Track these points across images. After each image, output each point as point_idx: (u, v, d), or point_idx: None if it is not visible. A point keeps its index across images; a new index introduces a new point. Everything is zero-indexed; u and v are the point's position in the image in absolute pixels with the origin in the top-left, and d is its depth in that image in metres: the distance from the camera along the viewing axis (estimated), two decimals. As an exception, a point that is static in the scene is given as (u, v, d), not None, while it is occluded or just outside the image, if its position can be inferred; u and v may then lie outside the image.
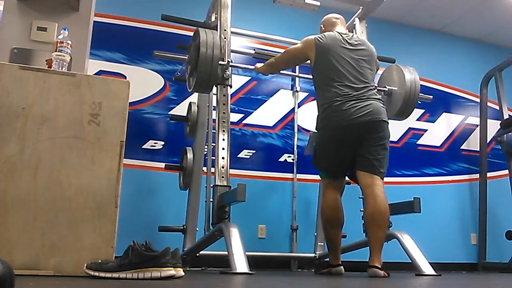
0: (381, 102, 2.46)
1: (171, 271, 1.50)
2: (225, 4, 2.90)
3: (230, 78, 2.73)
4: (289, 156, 3.91)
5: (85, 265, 1.55)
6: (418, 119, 4.42)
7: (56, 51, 1.89)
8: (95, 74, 3.26)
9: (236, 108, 3.79)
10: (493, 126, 4.50)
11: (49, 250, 1.61)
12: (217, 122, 2.66)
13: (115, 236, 1.69)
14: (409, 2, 4.31)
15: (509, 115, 4.40)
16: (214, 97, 2.76)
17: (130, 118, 1.83)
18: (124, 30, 3.66)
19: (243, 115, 3.84)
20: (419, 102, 3.06)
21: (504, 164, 4.37)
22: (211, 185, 2.59)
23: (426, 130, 4.46)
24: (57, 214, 1.64)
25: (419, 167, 4.34)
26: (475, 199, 4.42)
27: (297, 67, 3.64)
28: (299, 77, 3.86)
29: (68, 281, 1.44)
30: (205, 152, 3.07)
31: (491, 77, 4.50)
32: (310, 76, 2.72)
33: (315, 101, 2.61)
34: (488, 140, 4.51)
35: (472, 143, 4.59)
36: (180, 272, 1.54)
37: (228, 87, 2.74)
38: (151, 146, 3.56)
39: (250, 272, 2.06)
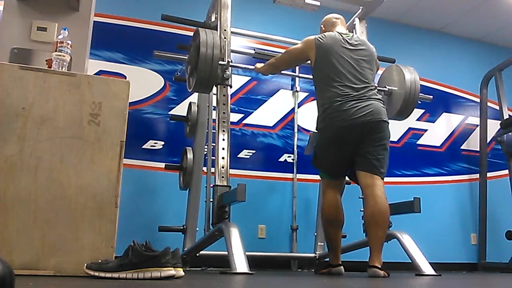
0: (382, 102, 2.46)
1: (171, 271, 1.50)
2: (225, 4, 2.90)
3: (230, 78, 2.73)
4: (289, 156, 3.91)
5: (85, 265, 1.55)
6: (418, 119, 4.42)
7: (56, 51, 1.89)
8: (95, 74, 3.26)
9: (236, 108, 3.79)
10: (493, 126, 4.50)
11: (49, 250, 1.61)
12: (217, 122, 2.66)
13: (115, 236, 1.69)
14: (409, 2, 4.31)
15: (509, 115, 4.40)
16: (214, 97, 2.76)
17: (130, 118, 1.83)
18: (124, 30, 3.66)
19: (243, 115, 3.84)
20: (419, 102, 3.07)
21: (504, 164, 4.37)
22: (211, 185, 2.59)
23: (426, 130, 4.46)
24: (57, 214, 1.64)
25: (419, 167, 4.34)
26: (475, 199, 4.42)
27: (297, 67, 3.64)
28: (299, 77, 3.86)
29: (68, 281, 1.44)
30: (205, 152, 3.07)
31: (491, 77, 4.50)
32: (310, 76, 2.72)
33: (315, 101, 2.61)
34: (488, 140, 4.51)
35: (472, 143, 4.59)
36: (180, 272, 1.54)
37: (228, 87, 2.74)
38: (151, 146, 3.56)
39: (250, 272, 2.06)
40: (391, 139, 2.47)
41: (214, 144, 2.64)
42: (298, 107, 4.01)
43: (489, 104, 4.58)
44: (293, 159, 3.90)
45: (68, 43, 1.92)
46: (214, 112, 2.76)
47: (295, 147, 3.91)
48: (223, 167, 2.54)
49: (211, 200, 2.52)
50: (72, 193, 1.67)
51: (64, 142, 1.70)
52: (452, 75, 4.68)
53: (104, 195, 1.70)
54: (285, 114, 3.99)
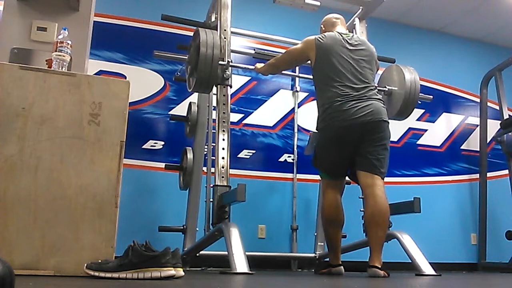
0: (382, 102, 2.46)
1: (171, 271, 1.50)
2: (225, 4, 2.90)
3: (230, 78, 2.73)
4: (289, 156, 3.91)
5: (85, 265, 1.55)
6: (418, 119, 4.42)
7: (56, 51, 1.89)
8: (95, 74, 3.26)
9: (236, 108, 3.79)
10: (493, 126, 4.50)
11: (49, 250, 1.61)
12: (217, 122, 2.66)
13: (115, 236, 1.69)
14: (409, 2, 4.31)
15: (509, 115, 4.40)
16: (214, 97, 2.76)
17: (130, 118, 1.83)
18: (124, 30, 3.66)
19: (243, 115, 3.84)
20: (419, 102, 3.07)
21: (504, 164, 4.38)
22: (211, 185, 2.59)
23: (426, 130, 4.46)
24: (57, 214, 1.64)
25: (419, 167, 4.34)
26: (475, 199, 4.42)
27: (297, 67, 3.64)
28: (299, 77, 3.86)
29: (68, 281, 1.44)
30: (205, 152, 3.07)
31: (491, 77, 4.50)
32: (310, 76, 2.72)
33: (315, 101, 2.61)
34: (488, 140, 4.51)
35: (472, 143, 4.59)
36: (180, 272, 1.54)
37: (228, 87, 2.74)
38: (151, 146, 3.56)
39: (250, 272, 2.06)
40: (391, 139, 2.47)
41: (214, 144, 2.64)
42: (298, 107, 4.01)
43: (489, 104, 4.58)
44: (293, 159, 3.90)
45: (68, 43, 1.92)
46: (214, 112, 2.76)
47: (295, 147, 3.91)
48: (223, 167, 2.54)
49: (211, 200, 2.52)
50: (72, 193, 1.67)
51: (64, 142, 1.70)
52: (452, 75, 4.68)
53: (104, 195, 1.70)
54: (285, 114, 3.99)
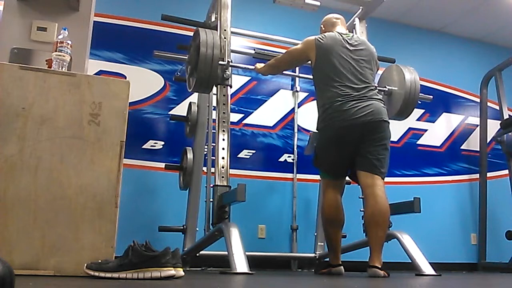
0: (382, 102, 2.46)
1: (171, 271, 1.50)
2: (225, 4, 2.90)
3: (230, 78, 2.73)
4: (289, 156, 3.91)
5: (85, 265, 1.55)
6: (418, 119, 4.42)
7: (56, 51, 1.89)
8: (95, 74, 3.26)
9: (236, 108, 3.79)
10: (493, 126, 4.50)
11: (49, 250, 1.61)
12: (217, 122, 2.66)
13: (115, 236, 1.69)
14: (409, 2, 4.31)
15: (509, 115, 4.40)
16: (214, 97, 2.76)
17: (130, 118, 1.83)
18: (124, 30, 3.66)
19: (243, 115, 3.84)
20: (419, 102, 3.07)
21: (504, 164, 4.38)
22: (211, 185, 2.59)
23: (426, 130, 4.46)
24: (57, 214, 1.64)
25: (419, 167, 4.34)
26: (475, 199, 4.42)
27: (297, 67, 3.63)
28: (299, 77, 3.86)
29: (68, 281, 1.44)
30: (205, 152, 3.07)
31: (491, 77, 4.50)
32: (310, 76, 2.72)
33: (315, 101, 2.61)
34: (488, 140, 4.51)
35: (472, 143, 4.59)
36: (180, 272, 1.54)
37: (228, 87, 2.74)
38: (151, 146, 3.56)
39: (250, 272, 2.06)
40: (391, 139, 2.47)
41: (214, 144, 2.64)
42: (298, 107, 4.01)
43: (489, 104, 4.58)
44: (293, 159, 3.90)
45: (68, 43, 1.92)
46: (214, 112, 2.76)
47: (295, 147, 3.91)
48: (223, 167, 2.54)
49: (211, 200, 2.52)
50: (72, 193, 1.67)
51: (64, 142, 1.70)
52: (452, 75, 4.68)
53: (104, 195, 1.70)
54: (285, 114, 3.99)
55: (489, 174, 4.46)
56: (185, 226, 3.11)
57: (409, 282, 1.97)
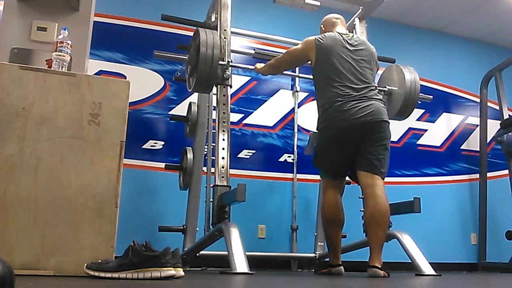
0: (382, 102, 2.46)
1: (171, 271, 1.50)
2: (225, 4, 2.90)
3: (230, 78, 2.73)
4: (289, 156, 3.91)
5: (85, 265, 1.55)
6: (418, 119, 4.42)
7: (56, 51, 1.89)
8: (95, 74, 3.26)
9: (236, 108, 3.79)
10: (493, 126, 4.50)
11: (49, 250, 1.61)
12: (217, 122, 2.66)
13: (115, 236, 1.69)
14: (409, 2, 4.31)
15: (509, 115, 4.40)
16: (214, 97, 2.76)
17: (130, 118, 1.83)
18: (124, 30, 3.66)
19: (243, 115, 3.84)
20: (419, 102, 3.07)
21: (504, 164, 4.37)
22: (211, 185, 2.59)
23: (426, 130, 4.46)
24: (57, 214, 1.64)
25: (419, 167, 4.34)
26: (475, 199, 4.42)
27: (297, 67, 3.63)
28: (299, 77, 3.86)
29: (68, 281, 1.44)
30: (205, 152, 3.07)
31: (491, 77, 4.50)
32: (310, 76, 2.72)
33: (315, 101, 2.61)
34: (488, 140, 4.51)
35: (472, 143, 4.59)
36: (180, 272, 1.54)
37: (228, 87, 2.74)
38: (151, 146, 3.56)
39: (250, 272, 2.06)
40: (391, 139, 2.47)
41: (214, 144, 2.64)
42: (298, 107, 4.01)
43: (489, 104, 4.58)
44: (293, 159, 3.90)
45: (68, 43, 1.92)
46: (214, 112, 2.76)
47: (295, 147, 3.91)
48: (223, 167, 2.54)
49: (211, 200, 2.52)
50: (72, 193, 1.67)
51: (64, 142, 1.70)
52: (452, 75, 4.68)
53: (104, 195, 1.70)
54: (285, 114, 3.99)
55: (489, 174, 4.46)
56: (185, 226, 3.11)
57: (409, 282, 1.97)
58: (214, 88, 2.71)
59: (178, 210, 3.25)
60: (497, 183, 4.48)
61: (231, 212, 2.46)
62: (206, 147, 2.99)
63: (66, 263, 1.61)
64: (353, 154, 2.41)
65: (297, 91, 4.02)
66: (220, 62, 2.59)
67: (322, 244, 3.39)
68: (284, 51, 2.91)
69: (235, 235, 2.21)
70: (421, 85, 3.04)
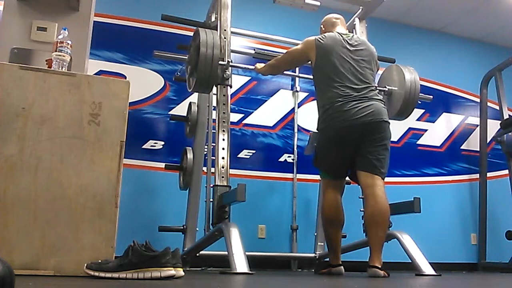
0: (382, 102, 2.46)
1: (171, 271, 1.50)
2: (225, 4, 2.90)
3: (230, 78, 2.73)
4: (289, 156, 3.91)
5: (85, 265, 1.55)
6: (418, 119, 4.42)
7: (56, 51, 1.89)
8: (95, 74, 3.26)
9: (236, 108, 3.79)
10: (493, 126, 4.50)
11: (49, 250, 1.61)
12: (217, 122, 2.66)
13: (115, 236, 1.69)
14: (409, 2, 4.31)
15: (509, 115, 4.40)
16: (214, 97, 2.76)
17: (130, 118, 1.83)
18: (124, 30, 3.66)
19: (243, 115, 3.84)
20: (419, 102, 3.07)
21: (504, 164, 4.37)
22: (211, 185, 2.59)
23: (426, 130, 4.46)
24: (57, 214, 1.64)
25: (419, 167, 4.34)
26: (475, 199, 4.42)
27: (297, 67, 3.63)
28: (299, 77, 3.86)
29: (68, 281, 1.44)
30: (205, 152, 3.07)
31: (491, 77, 4.50)
32: (310, 76, 2.73)
33: (315, 101, 2.61)
34: (488, 140, 4.51)
35: (472, 143, 4.59)
36: (180, 272, 1.54)
37: (228, 87, 2.74)
38: (151, 146, 3.56)
39: (250, 272, 2.06)
40: (391, 139, 2.47)
41: (214, 144, 2.64)
42: (298, 107, 4.01)
43: (489, 104, 4.58)
44: (293, 159, 3.90)
45: (68, 43, 1.92)
46: (214, 112, 2.76)
47: (295, 147, 3.91)
48: (223, 167, 2.54)
49: (211, 200, 2.52)
50: (72, 193, 1.67)
51: (64, 142, 1.70)
52: (452, 75, 4.68)
53: (104, 195, 1.70)
54: (285, 114, 3.99)
55: (489, 174, 4.46)
56: (185, 226, 3.11)
57: (409, 282, 1.97)
58: (214, 88, 2.71)
59: (178, 210, 3.25)
60: (497, 183, 4.48)
61: (231, 212, 2.46)
62: (206, 147, 2.99)
63: (66, 263, 1.61)
64: (353, 154, 2.41)
65: (297, 91, 4.02)
66: (220, 62, 2.59)
67: (322, 244, 3.39)
68: (284, 51, 2.91)
69: (235, 235, 2.21)
70: (421, 85, 3.04)
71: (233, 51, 3.02)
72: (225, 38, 2.79)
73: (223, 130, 2.63)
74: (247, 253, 2.15)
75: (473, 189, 4.46)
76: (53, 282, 1.40)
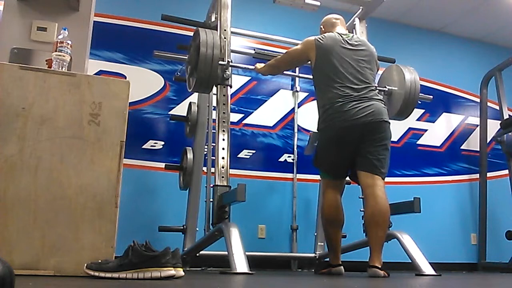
0: (382, 102, 2.46)
1: (171, 271, 1.50)
2: (225, 4, 2.90)
3: (230, 78, 2.73)
4: (289, 156, 3.91)
5: (85, 265, 1.55)
6: (418, 119, 4.42)
7: (56, 51, 1.89)
8: (95, 74, 3.26)
9: (236, 108, 3.79)
10: (493, 126, 4.50)
11: (49, 250, 1.61)
12: (217, 122, 2.66)
13: (115, 236, 1.69)
14: (409, 2, 4.31)
15: (509, 115, 4.40)
16: (214, 97, 2.76)
17: (130, 118, 1.83)
18: (124, 30, 3.66)
19: (243, 115, 3.84)
20: (419, 102, 3.07)
21: (504, 164, 4.37)
22: (211, 185, 2.59)
23: (426, 130, 4.46)
24: (57, 214, 1.64)
25: (419, 167, 4.34)
26: (475, 199, 4.42)
27: (297, 67, 3.63)
28: (299, 77, 3.86)
29: (68, 281, 1.44)
30: (205, 152, 3.07)
31: (491, 77, 4.50)
32: (310, 76, 2.72)
33: (315, 101, 2.61)
34: (488, 140, 4.51)
35: (472, 143, 4.59)
36: (180, 272, 1.54)
37: (228, 87, 2.74)
38: (151, 146, 3.56)
39: (250, 272, 2.06)
40: (391, 139, 2.47)
41: (214, 144, 2.64)
42: (298, 107, 4.01)
43: (489, 104, 4.58)
44: (293, 159, 3.90)
45: (68, 43, 1.92)
46: (214, 112, 2.76)
47: (295, 147, 3.91)
48: (223, 167, 2.54)
49: (211, 200, 2.52)
50: (72, 193, 1.67)
51: (64, 142, 1.70)
52: (452, 75, 4.68)
53: (104, 195, 1.70)
54: (285, 114, 3.99)
55: (489, 174, 4.46)
56: (185, 226, 3.11)
57: (409, 282, 1.97)
58: (214, 88, 2.71)
59: (178, 210, 3.25)
60: (497, 183, 4.48)
61: (231, 212, 2.46)
62: (206, 147, 2.99)
63: (66, 263, 1.61)
64: (354, 154, 2.41)
65: (297, 91, 4.02)
66: (220, 62, 2.59)
67: (322, 244, 3.39)
68: (284, 51, 2.91)
69: (235, 235, 2.21)
70: (421, 85, 3.04)
71: (233, 51, 3.02)
72: (225, 38, 2.79)
73: (223, 130, 2.63)
74: (247, 253, 2.15)
75: (473, 189, 4.46)
76: (53, 282, 1.40)
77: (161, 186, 3.48)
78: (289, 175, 3.87)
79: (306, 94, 4.05)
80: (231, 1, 2.92)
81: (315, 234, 3.48)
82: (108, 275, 1.50)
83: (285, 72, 3.05)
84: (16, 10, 2.26)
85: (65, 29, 1.97)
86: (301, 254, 3.58)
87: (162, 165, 3.39)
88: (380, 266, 2.21)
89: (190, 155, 3.19)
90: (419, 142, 4.41)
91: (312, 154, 2.67)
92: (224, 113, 2.67)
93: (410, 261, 2.58)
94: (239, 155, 3.75)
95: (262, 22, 3.95)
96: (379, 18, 4.33)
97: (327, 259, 2.69)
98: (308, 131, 3.82)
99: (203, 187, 3.04)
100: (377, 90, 2.54)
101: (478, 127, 4.59)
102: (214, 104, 2.76)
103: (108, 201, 1.70)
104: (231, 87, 2.77)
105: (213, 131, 2.72)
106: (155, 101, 3.64)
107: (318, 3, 3.14)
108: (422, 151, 4.40)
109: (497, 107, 4.46)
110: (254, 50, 3.31)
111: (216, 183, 2.50)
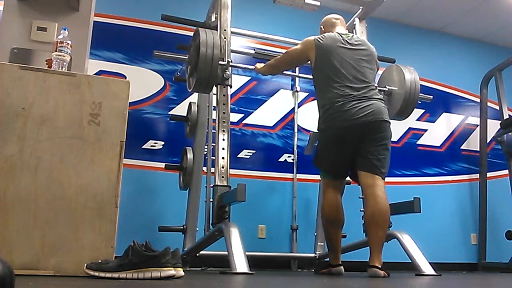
0: (383, 102, 2.46)
1: (171, 271, 1.50)
2: (225, 4, 2.90)
3: (230, 78, 2.73)
4: (289, 156, 3.91)
5: (85, 265, 1.55)
6: (418, 119, 4.42)
7: (56, 51, 1.89)
8: (95, 74, 3.26)
9: (236, 108, 3.79)
10: (493, 126, 4.50)
11: (49, 250, 1.61)
12: (217, 122, 2.66)
13: (115, 236, 1.69)
14: (409, 2, 4.31)
15: (509, 115, 4.40)
16: (214, 97, 2.76)
17: (130, 118, 1.83)
18: (124, 30, 3.66)
19: (243, 115, 3.84)
20: (419, 102, 3.07)
21: (504, 164, 4.37)
22: (211, 185, 2.60)
23: (426, 130, 4.46)
24: (57, 214, 1.64)
25: (419, 167, 4.34)
26: (475, 199, 4.42)
27: (297, 67, 3.63)
28: (299, 77, 3.86)
29: (68, 281, 1.44)
30: (205, 152, 3.07)
31: (491, 77, 4.50)
32: (310, 76, 2.72)
33: (315, 101, 2.61)
34: (488, 140, 4.51)
35: (472, 143, 4.59)
36: (180, 272, 1.54)
37: (228, 87, 2.74)
38: (151, 146, 3.56)
39: (250, 272, 2.06)
40: (391, 139, 2.47)
41: (214, 144, 2.64)
42: (298, 107, 4.01)
43: (489, 104, 4.58)
44: (293, 159, 3.90)
45: (68, 43, 1.92)
46: (214, 112, 2.76)
47: (295, 147, 3.91)
48: (223, 167, 2.54)
49: (211, 200, 2.52)
50: (72, 193, 1.67)
51: (64, 142, 1.70)
52: (452, 75, 4.68)
53: (104, 195, 1.70)
54: (285, 114, 3.99)
55: (489, 174, 4.46)
56: (185, 226, 3.11)
57: (409, 282, 1.97)
58: (214, 88, 2.71)
59: (178, 210, 3.25)
60: (497, 183, 4.48)
61: (231, 212, 2.46)
62: (206, 147, 2.99)
63: (66, 263, 1.61)
64: (354, 154, 2.41)
65: (297, 91, 4.02)
66: (220, 62, 2.59)
67: (322, 244, 3.39)
68: (284, 51, 2.91)
69: (235, 235, 2.21)
70: (421, 85, 3.04)
71: (233, 51, 3.02)
72: (225, 38, 2.79)
73: (223, 130, 2.63)
74: (247, 253, 2.15)
75: (473, 189, 4.46)
76: (53, 282, 1.40)
77: (161, 186, 3.48)
78: (289, 175, 3.87)
79: (306, 94, 4.05)
80: (231, 1, 2.92)
81: (315, 234, 3.48)
82: (108, 275, 1.50)
83: (285, 72, 3.05)
84: (16, 10, 2.26)
85: (65, 29, 1.97)
86: (301, 254, 3.58)
87: (162, 165, 3.39)
88: (380, 266, 2.21)
89: (190, 155, 3.19)
90: (419, 142, 4.41)
91: (312, 154, 2.67)
92: (224, 113, 2.67)
93: (410, 261, 2.58)
94: (239, 155, 3.75)
95: (262, 22, 3.95)
96: (379, 18, 4.33)
97: (327, 259, 2.69)
98: (308, 131, 3.82)
99: (203, 187, 3.04)
100: (377, 90, 2.54)
101: (478, 127, 4.59)
102: (214, 104, 2.76)
103: (108, 201, 1.70)
104: (231, 87, 2.77)
105: (213, 131, 2.72)
106: (155, 101, 3.64)
107: (318, 3, 3.14)
108: (422, 151, 4.40)
109: (497, 107, 4.46)
110: (254, 50, 3.31)
111: (216, 183, 2.51)
